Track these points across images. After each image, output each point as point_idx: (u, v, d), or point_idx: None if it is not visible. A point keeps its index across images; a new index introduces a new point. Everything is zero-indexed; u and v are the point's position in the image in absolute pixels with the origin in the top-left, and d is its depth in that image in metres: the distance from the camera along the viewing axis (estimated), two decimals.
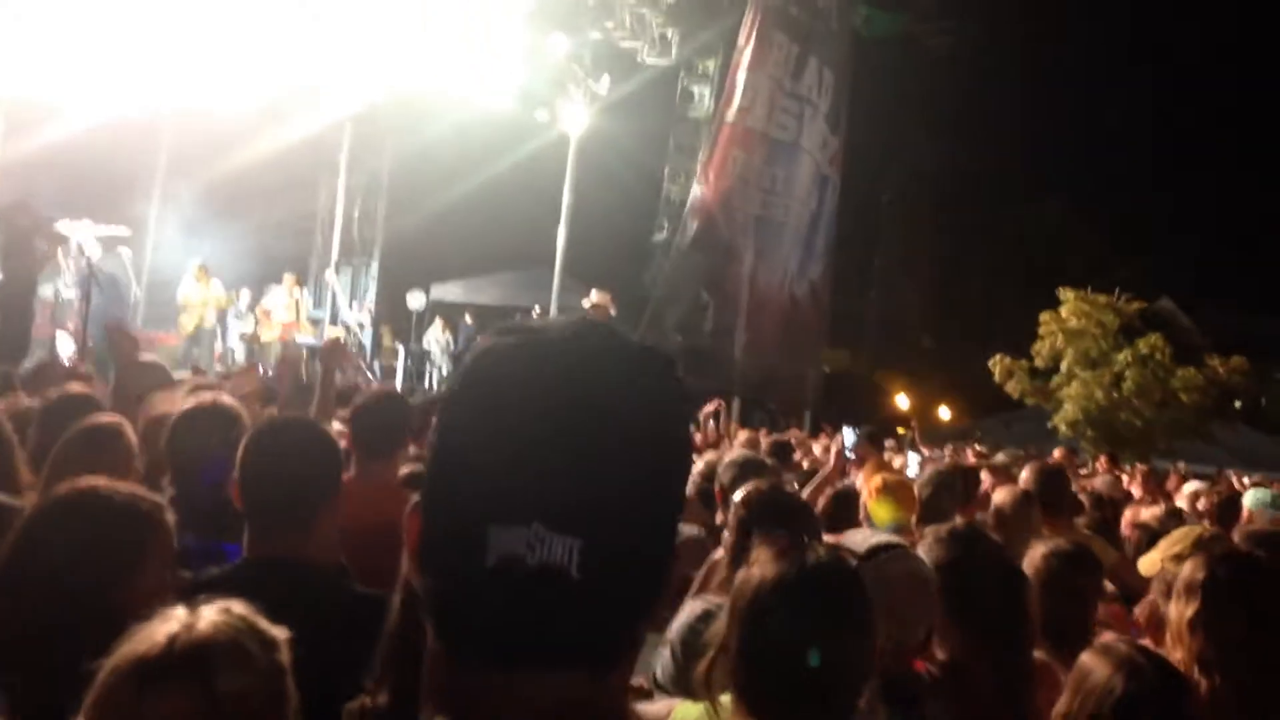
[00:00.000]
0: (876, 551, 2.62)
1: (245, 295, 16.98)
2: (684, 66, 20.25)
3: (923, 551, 3.09)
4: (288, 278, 16.90)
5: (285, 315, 16.68)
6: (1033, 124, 33.45)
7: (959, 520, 3.63)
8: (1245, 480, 12.19)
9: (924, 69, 26.97)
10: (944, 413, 35.25)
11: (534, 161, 19.49)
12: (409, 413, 4.20)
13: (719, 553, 3.48)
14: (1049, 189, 32.68)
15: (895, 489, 4.93)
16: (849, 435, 5.94)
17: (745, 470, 4.88)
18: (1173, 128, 34.60)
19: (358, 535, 3.08)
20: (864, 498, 5.09)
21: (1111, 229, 31.94)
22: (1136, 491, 9.04)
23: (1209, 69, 33.99)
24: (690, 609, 3.00)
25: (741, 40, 19.67)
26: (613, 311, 12.20)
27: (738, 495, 3.40)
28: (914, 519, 4.91)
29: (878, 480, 5.03)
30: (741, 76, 19.76)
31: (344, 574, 2.55)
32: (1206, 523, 7.09)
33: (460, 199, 19.92)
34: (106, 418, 3.59)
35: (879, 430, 7.08)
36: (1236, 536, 4.28)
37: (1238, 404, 26.76)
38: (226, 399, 3.46)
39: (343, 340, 16.76)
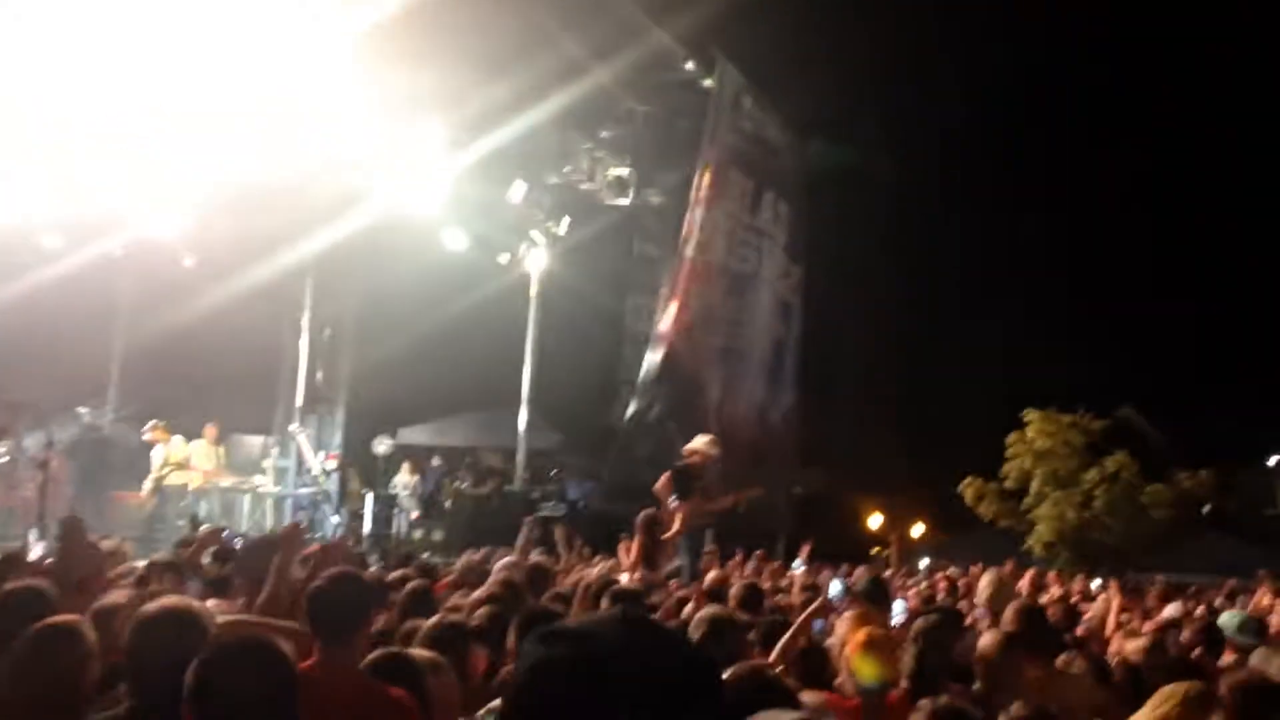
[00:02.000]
0: None
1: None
2: (642, 206, 20.61)
3: None
4: (209, 430, 16.58)
5: (206, 463, 16.33)
6: (982, 243, 34.23)
7: (944, 699, 3.52)
8: (1218, 601, 12.16)
9: (875, 198, 27.65)
10: (917, 531, 35.11)
11: (496, 302, 19.62)
12: (370, 592, 4.08)
13: None
14: (1006, 307, 33.25)
15: (881, 645, 4.82)
16: (835, 586, 5.81)
17: (716, 630, 4.76)
18: (1127, 240, 35.46)
19: None
20: (846, 650, 4.97)
21: (1070, 341, 32.42)
22: (1115, 600, 8.98)
23: (1163, 181, 35.07)
24: None
25: (698, 179, 20.11)
26: (715, 452, 11.85)
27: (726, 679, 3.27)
28: (900, 677, 4.80)
29: (862, 635, 4.91)
30: (699, 214, 20.14)
31: None
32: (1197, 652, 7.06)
33: (423, 342, 19.94)
34: (62, 620, 3.46)
35: (879, 585, 6.79)
36: (1224, 686, 4.20)
37: (1205, 510, 26.84)
38: (189, 602, 3.36)
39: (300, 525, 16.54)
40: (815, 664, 5.10)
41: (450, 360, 20.93)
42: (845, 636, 5.17)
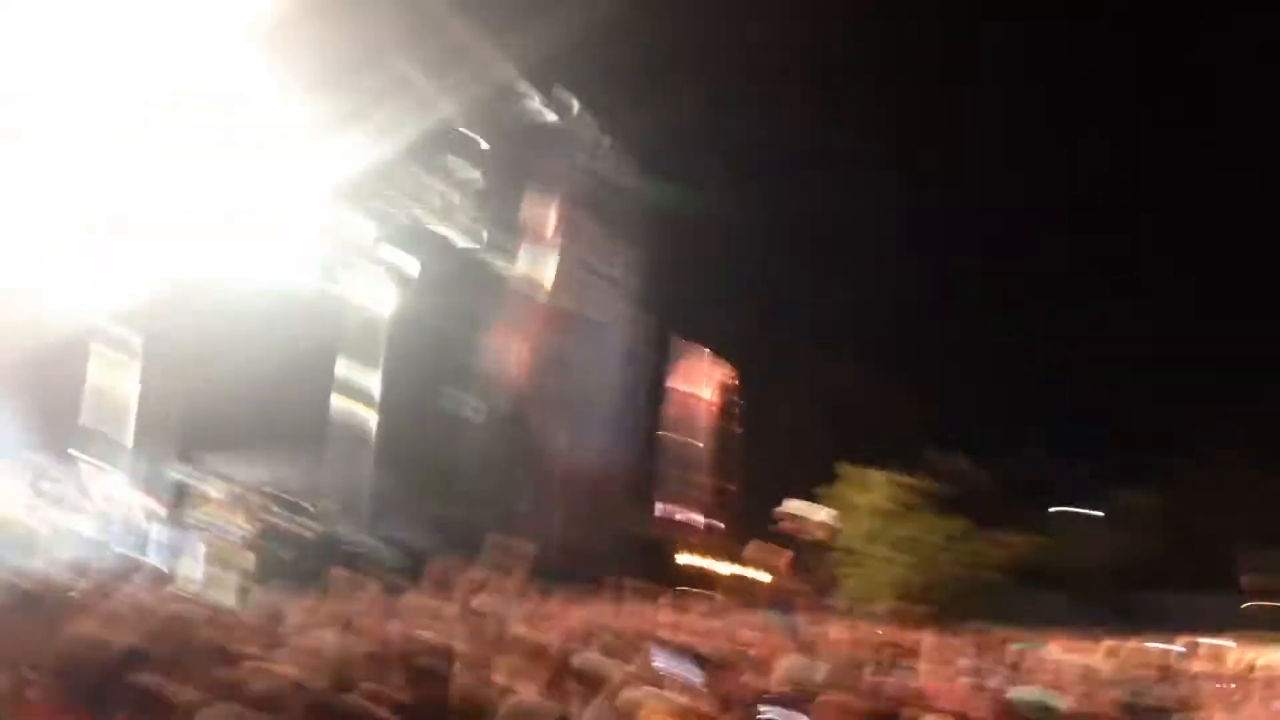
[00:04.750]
0: None
1: None
2: (493, 247, 20.36)
3: None
4: None
5: None
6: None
7: None
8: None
9: (717, 240, 27.84)
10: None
11: (344, 340, 19.11)
12: None
13: None
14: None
15: None
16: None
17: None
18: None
19: None
20: None
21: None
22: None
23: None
24: None
25: (549, 221, 20.05)
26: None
27: None
28: None
29: None
30: (549, 257, 20.08)
31: None
32: None
33: (244, 372, 19.11)
34: None
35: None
36: None
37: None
38: None
39: None
40: None
41: (266, 391, 20.11)
42: None
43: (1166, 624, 14.47)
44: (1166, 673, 9.81)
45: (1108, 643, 11.98)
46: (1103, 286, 34.04)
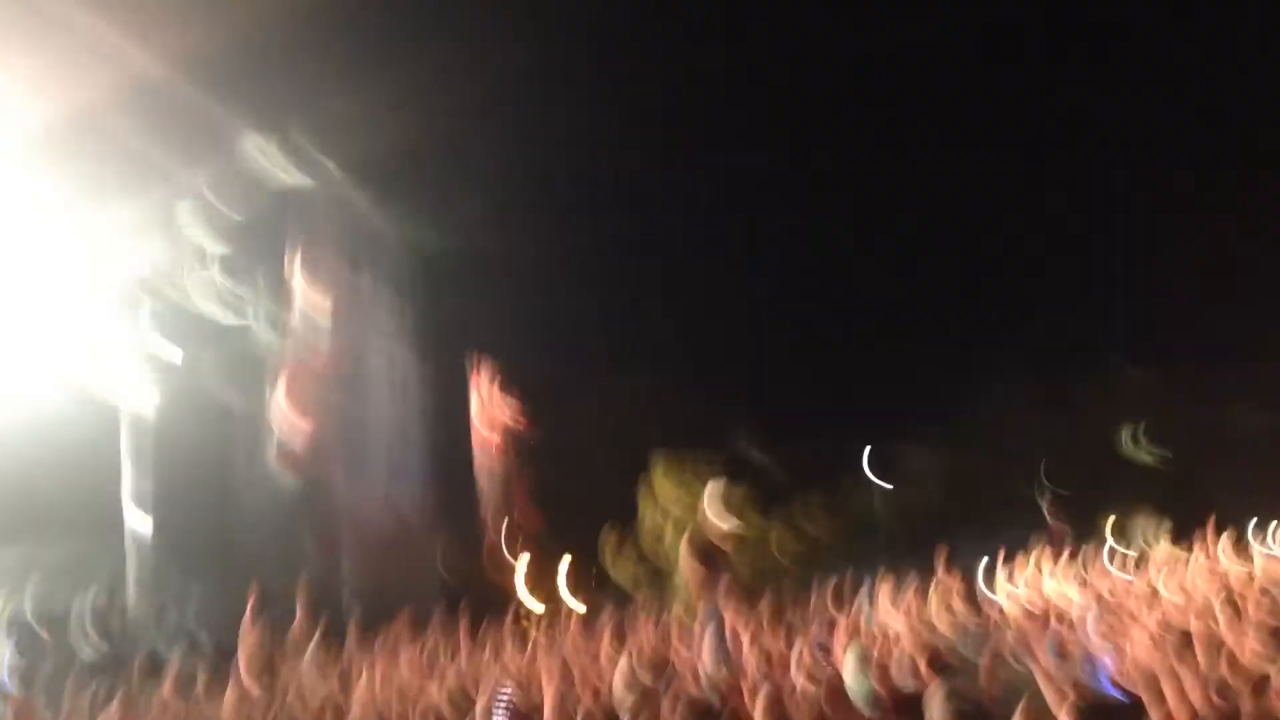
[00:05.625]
0: None
1: None
2: (258, 318, 19.98)
3: None
4: None
5: None
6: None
7: None
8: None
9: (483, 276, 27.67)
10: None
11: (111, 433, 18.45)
12: None
13: None
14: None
15: None
16: None
17: None
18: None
19: None
20: None
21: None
22: None
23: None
24: None
25: (301, 282, 19.80)
26: None
27: None
28: None
29: None
30: (307, 316, 19.86)
31: None
32: None
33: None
34: None
35: None
36: None
37: None
38: None
39: None
40: None
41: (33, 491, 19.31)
42: None
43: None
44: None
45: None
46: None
